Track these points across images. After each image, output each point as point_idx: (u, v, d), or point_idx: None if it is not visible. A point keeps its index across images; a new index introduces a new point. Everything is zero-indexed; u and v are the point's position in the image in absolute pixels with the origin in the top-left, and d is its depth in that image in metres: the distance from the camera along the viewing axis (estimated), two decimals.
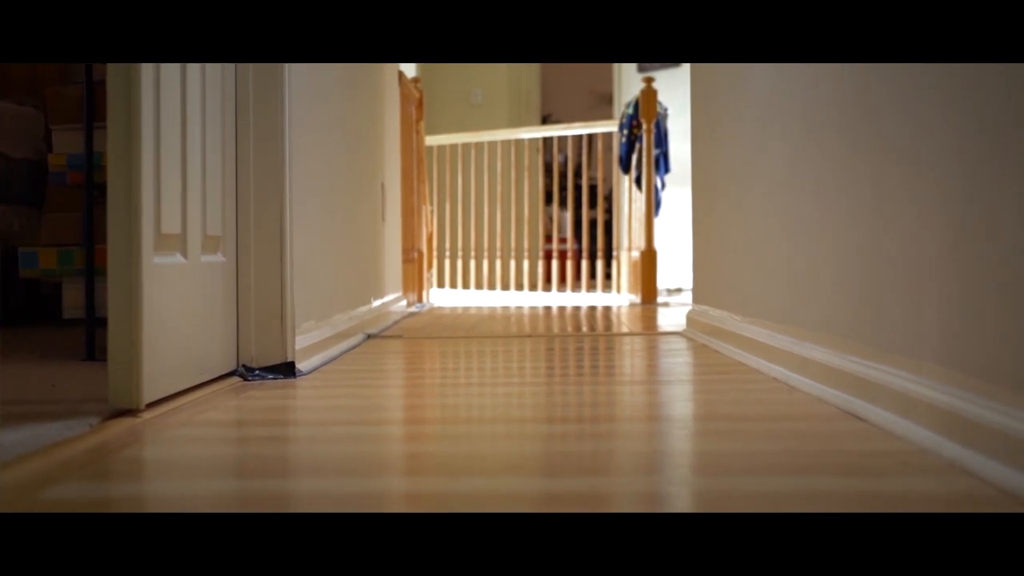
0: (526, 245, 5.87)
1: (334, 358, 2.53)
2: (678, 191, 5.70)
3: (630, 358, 2.50)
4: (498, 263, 6.00)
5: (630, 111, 5.18)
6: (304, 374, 2.18)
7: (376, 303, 3.50)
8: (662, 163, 5.16)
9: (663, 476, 1.18)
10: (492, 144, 6.10)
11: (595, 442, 1.40)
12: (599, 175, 5.59)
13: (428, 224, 5.12)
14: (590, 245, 6.34)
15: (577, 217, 7.74)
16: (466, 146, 6.20)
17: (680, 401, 1.79)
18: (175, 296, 1.75)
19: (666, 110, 5.19)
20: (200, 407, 1.70)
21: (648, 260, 4.95)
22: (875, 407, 1.48)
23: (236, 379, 2.05)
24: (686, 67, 5.76)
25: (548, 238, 7.43)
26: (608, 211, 6.02)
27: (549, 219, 7.87)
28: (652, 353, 2.60)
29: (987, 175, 1.19)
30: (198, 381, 1.88)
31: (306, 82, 2.39)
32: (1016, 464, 1.06)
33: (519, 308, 4.67)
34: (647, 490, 1.11)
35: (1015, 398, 1.10)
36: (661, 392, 1.89)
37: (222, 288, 2.02)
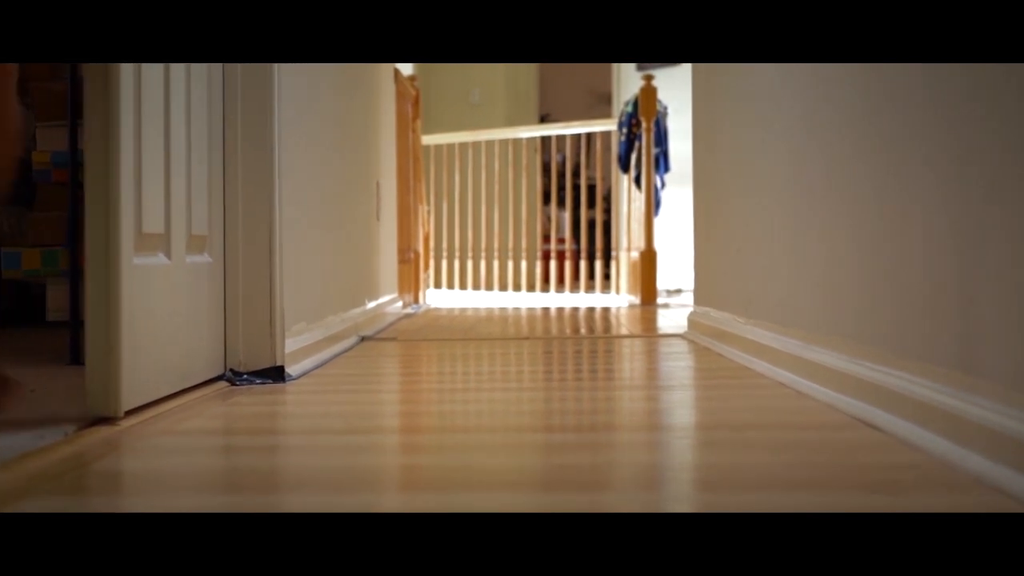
0: (524, 245, 5.81)
1: (326, 361, 2.46)
2: (678, 191, 5.64)
3: (630, 361, 2.43)
4: (496, 264, 5.93)
5: (629, 109, 5.12)
6: (294, 378, 2.10)
7: (371, 304, 3.43)
8: (662, 162, 5.09)
9: (666, 492, 1.11)
10: (490, 143, 6.03)
11: (594, 454, 1.33)
12: (598, 174, 5.53)
13: (425, 224, 5.05)
14: (589, 245, 6.27)
15: (576, 217, 7.67)
16: (463, 145, 6.13)
17: (683, 408, 1.72)
18: (157, 298, 1.68)
19: (666, 108, 5.12)
20: (183, 414, 1.63)
21: (648, 260, 4.88)
22: (891, 415, 1.41)
23: (223, 384, 1.98)
24: (686, 65, 5.70)
25: (546, 238, 7.37)
26: (607, 211, 5.96)
27: (547, 219, 7.80)
28: (653, 356, 2.53)
29: (1009, 172, 1.12)
30: (183, 386, 1.81)
31: (297, 79, 2.32)
32: None
33: (517, 309, 4.60)
34: (649, 508, 1.04)
35: None
36: (663, 398, 1.82)
37: (208, 289, 1.95)
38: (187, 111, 1.82)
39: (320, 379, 2.13)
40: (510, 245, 5.87)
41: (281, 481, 1.20)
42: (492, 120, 7.17)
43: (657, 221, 5.07)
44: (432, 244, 5.63)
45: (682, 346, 2.77)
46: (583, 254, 5.57)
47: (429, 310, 4.62)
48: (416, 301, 4.76)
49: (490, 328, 3.50)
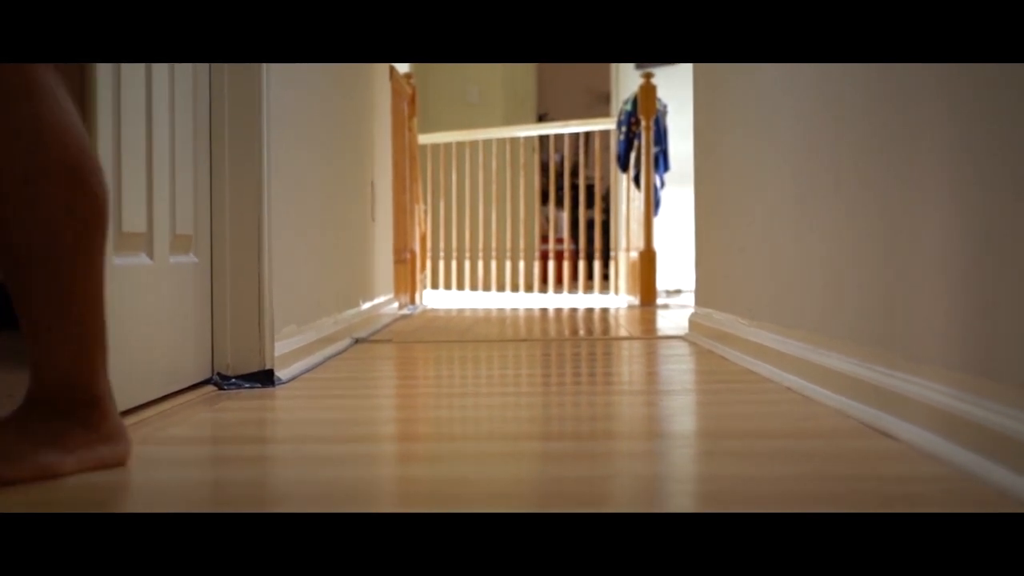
0: (522, 246, 5.74)
1: (318, 364, 2.39)
2: (677, 190, 5.58)
3: (630, 364, 2.37)
4: (493, 264, 5.87)
5: (628, 108, 5.05)
6: (284, 382, 2.04)
7: (365, 305, 3.36)
8: (661, 161, 5.02)
9: (669, 508, 1.04)
10: (487, 142, 5.96)
11: (594, 465, 1.26)
12: (596, 174, 5.46)
13: (421, 224, 4.98)
14: (587, 245, 6.20)
15: (574, 217, 7.61)
16: (461, 144, 6.07)
17: (685, 414, 1.65)
18: (139, 300, 1.61)
19: (665, 107, 5.05)
20: (165, 421, 1.56)
21: (647, 261, 4.82)
22: (907, 423, 1.34)
23: (210, 388, 1.91)
24: (686, 64, 5.63)
25: (545, 238, 7.30)
26: (606, 211, 5.89)
27: (545, 219, 7.74)
28: (653, 359, 2.46)
29: None
30: (166, 391, 1.74)
31: (287, 75, 2.25)
32: None
33: (515, 310, 4.54)
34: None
35: None
36: (665, 404, 1.75)
37: (194, 291, 1.88)
38: (171, 107, 1.75)
39: (311, 383, 2.06)
40: (508, 245, 5.81)
41: (266, 495, 1.14)
42: (490, 119, 7.09)
43: (656, 221, 5.00)
44: (429, 244, 5.56)
45: (683, 348, 2.70)
46: (582, 254, 5.50)
47: (426, 311, 4.55)
48: (412, 302, 4.70)
49: (488, 330, 3.43)
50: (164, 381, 1.73)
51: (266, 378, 1.99)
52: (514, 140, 5.89)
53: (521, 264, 5.72)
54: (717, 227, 2.74)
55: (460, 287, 6.05)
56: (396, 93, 4.33)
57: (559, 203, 7.68)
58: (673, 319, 3.79)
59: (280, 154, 2.16)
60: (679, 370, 2.23)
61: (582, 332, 3.31)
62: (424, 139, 5.82)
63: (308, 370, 2.27)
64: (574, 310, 4.53)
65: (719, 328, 2.61)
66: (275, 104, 2.10)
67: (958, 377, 1.24)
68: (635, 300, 4.87)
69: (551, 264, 5.65)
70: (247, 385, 1.96)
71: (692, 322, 2.98)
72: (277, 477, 1.21)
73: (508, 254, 5.82)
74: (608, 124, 5.37)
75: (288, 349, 2.18)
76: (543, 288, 5.74)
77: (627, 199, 5.20)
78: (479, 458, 1.30)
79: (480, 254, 5.91)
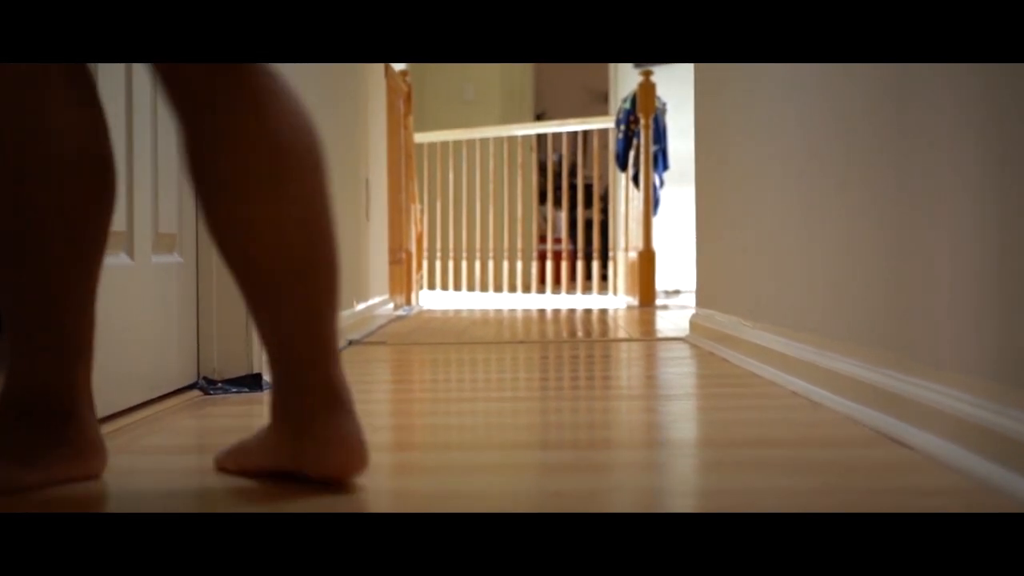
0: (520, 246, 5.67)
1: None
2: (677, 190, 5.52)
3: (630, 368, 2.30)
4: (491, 264, 5.80)
5: (627, 106, 4.98)
6: None
7: (359, 306, 3.30)
8: (660, 160, 4.95)
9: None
10: (484, 141, 5.89)
11: (593, 477, 1.20)
12: (595, 173, 5.40)
13: (417, 224, 4.91)
14: (586, 246, 6.14)
15: (572, 217, 7.55)
16: (457, 143, 6.00)
17: (689, 421, 1.59)
18: (118, 302, 1.55)
19: (664, 105, 4.98)
20: (145, 429, 1.49)
21: (646, 261, 4.75)
22: (920, 431, 1.27)
23: (195, 393, 1.84)
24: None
25: (542, 238, 7.24)
26: (604, 210, 5.82)
27: (543, 219, 7.68)
28: (654, 362, 2.40)
29: None
30: (149, 397, 1.68)
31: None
32: None
33: (512, 311, 4.47)
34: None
35: None
36: (667, 409, 1.68)
37: (179, 292, 1.82)
38: (153, 103, 1.69)
39: None
40: (505, 245, 5.74)
41: (251, 511, 1.07)
42: (487, 117, 7.03)
43: (656, 220, 4.93)
44: (425, 244, 5.49)
45: (684, 350, 2.64)
46: (580, 254, 5.43)
47: (422, 312, 4.49)
48: (408, 303, 4.63)
49: (484, 331, 3.36)
50: (146, 386, 1.66)
51: (254, 382, 1.92)
52: (511, 139, 5.82)
53: (519, 264, 5.65)
54: (719, 227, 2.68)
55: (457, 288, 5.99)
56: (391, 90, 4.27)
57: (557, 203, 7.62)
58: (673, 320, 3.72)
59: None
60: (680, 373, 2.17)
61: (580, 334, 3.25)
62: (420, 137, 5.76)
63: None
64: (572, 311, 4.46)
65: (721, 330, 2.55)
66: None
67: (977, 383, 1.17)
68: (634, 301, 4.80)
69: (549, 264, 5.58)
70: (234, 390, 1.89)
71: (693, 323, 2.91)
72: (260, 492, 1.15)
73: (505, 254, 5.75)
74: (607, 123, 5.30)
75: None
76: (541, 289, 5.67)
77: (626, 198, 5.14)
78: (473, 470, 1.24)
79: (477, 254, 5.84)
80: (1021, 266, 1.09)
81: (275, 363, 1.12)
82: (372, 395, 1.90)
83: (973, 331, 1.19)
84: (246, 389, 1.91)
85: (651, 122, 4.86)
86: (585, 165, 6.01)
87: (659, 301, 5.06)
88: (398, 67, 4.58)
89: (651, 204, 4.86)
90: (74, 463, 1.11)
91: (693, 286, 3.02)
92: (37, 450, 1.09)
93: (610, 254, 5.34)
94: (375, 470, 1.24)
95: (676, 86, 5.62)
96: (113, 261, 1.53)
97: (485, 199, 5.84)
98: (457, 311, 4.52)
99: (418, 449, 1.40)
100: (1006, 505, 0.99)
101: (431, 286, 6.03)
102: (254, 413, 1.72)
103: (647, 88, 4.85)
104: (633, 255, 4.90)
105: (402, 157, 4.56)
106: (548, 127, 5.62)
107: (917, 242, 1.37)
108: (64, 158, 1.06)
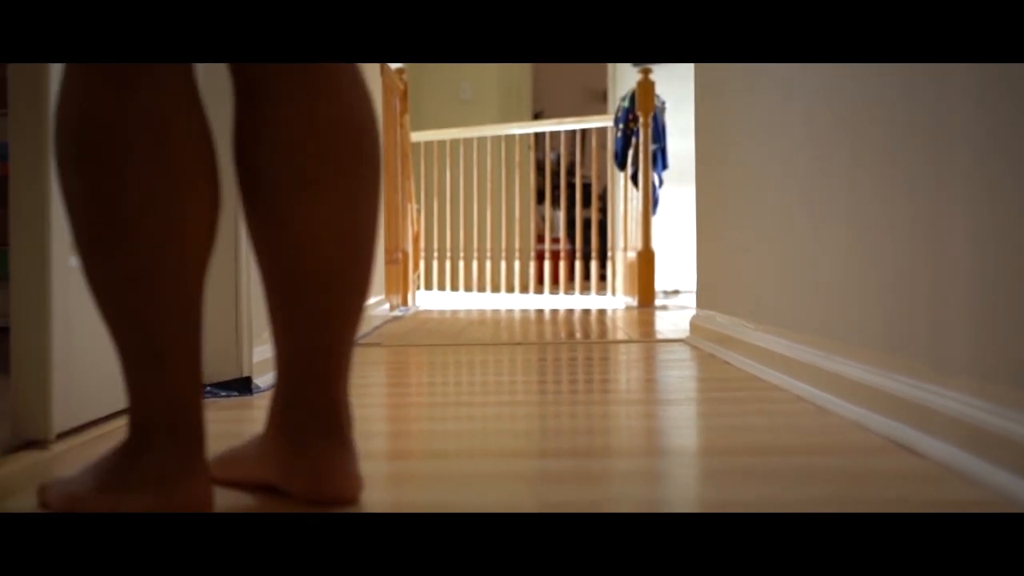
0: (517, 246, 5.61)
1: None
2: (676, 189, 5.47)
3: (629, 370, 2.25)
4: (488, 264, 5.75)
5: (626, 104, 4.93)
6: (263, 390, 1.92)
7: None
8: (660, 159, 4.90)
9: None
10: (482, 140, 5.84)
11: (593, 487, 1.14)
12: (593, 172, 5.34)
13: (414, 223, 4.86)
14: (584, 245, 6.08)
15: (570, 216, 7.50)
16: (454, 142, 5.95)
17: (691, 427, 1.54)
18: None
19: (664, 103, 4.93)
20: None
21: (645, 261, 4.70)
22: (934, 439, 1.22)
23: None
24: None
25: (540, 238, 7.19)
26: (603, 210, 5.77)
27: (541, 218, 7.62)
28: (654, 364, 2.35)
29: None
30: None
31: None
32: None
33: (510, 312, 4.42)
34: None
35: None
36: (668, 415, 1.63)
37: None
38: None
39: None
40: (503, 245, 5.69)
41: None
42: (484, 116, 6.97)
43: (655, 220, 4.88)
44: (422, 244, 5.44)
45: (684, 352, 2.58)
46: (578, 254, 5.38)
47: (418, 313, 4.44)
48: (404, 303, 4.58)
49: (481, 332, 3.31)
50: None
51: (243, 386, 1.87)
52: (509, 138, 5.77)
53: (516, 264, 5.60)
54: (720, 226, 2.63)
55: (454, 288, 5.94)
56: (387, 89, 4.22)
57: (555, 202, 7.57)
58: (672, 321, 3.67)
59: None
60: (681, 377, 2.12)
61: (579, 335, 3.20)
62: (416, 136, 5.70)
63: None
64: (570, 312, 4.41)
65: (722, 331, 2.50)
66: None
67: (993, 389, 1.12)
68: (632, 301, 4.75)
69: (547, 265, 5.53)
70: (222, 394, 1.84)
71: (693, 325, 2.86)
72: (247, 503, 1.09)
73: (503, 254, 5.70)
74: (605, 121, 5.25)
75: (269, 355, 2.06)
76: (539, 289, 5.62)
77: (624, 198, 5.09)
78: (472, 479, 1.19)
79: (474, 254, 5.79)
80: None
81: (281, 371, 1.06)
82: (367, 399, 1.85)
83: (987, 334, 1.14)
84: (236, 393, 1.86)
85: (650, 120, 4.81)
86: (584, 164, 5.96)
87: (658, 301, 5.01)
88: (394, 65, 4.54)
89: (650, 203, 4.80)
90: (206, 487, 0.99)
91: (692, 286, 2.97)
92: (182, 474, 0.97)
93: (609, 254, 5.28)
94: (369, 481, 1.19)
95: (675, 84, 5.57)
96: None
97: (482, 198, 5.78)
98: (454, 312, 4.47)
99: (413, 458, 1.35)
100: None
101: (428, 286, 5.97)
102: (243, 418, 1.67)
103: (646, 86, 4.80)
104: (632, 255, 4.85)
105: (398, 156, 4.50)
106: (546, 126, 5.57)
107: (928, 242, 1.32)
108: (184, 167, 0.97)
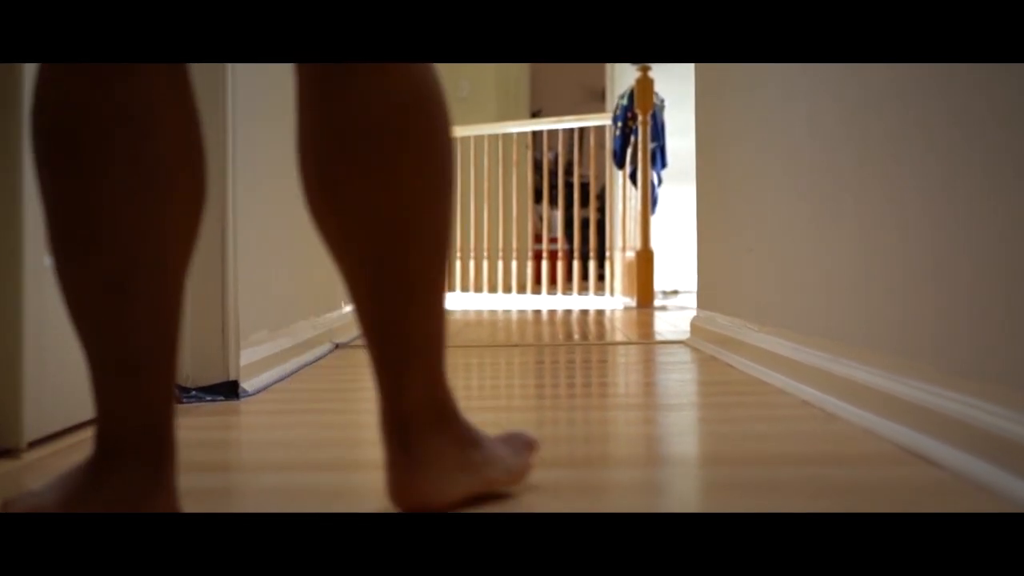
0: (514, 245, 5.56)
1: (292, 373, 2.21)
2: (675, 188, 5.41)
3: (628, 373, 2.19)
4: (485, 264, 5.69)
5: (624, 102, 4.87)
6: (251, 395, 1.86)
7: (348, 308, 3.18)
8: (659, 157, 4.85)
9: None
10: (479, 139, 5.78)
11: (592, 500, 1.09)
12: (591, 171, 5.28)
13: None
14: (582, 245, 6.03)
15: (568, 216, 7.44)
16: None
17: (693, 434, 1.48)
18: None
19: (663, 101, 4.88)
20: None
21: (644, 261, 4.64)
22: (950, 447, 1.17)
23: None
24: None
25: (538, 238, 7.14)
26: (601, 209, 5.72)
27: (539, 218, 7.57)
28: (654, 367, 2.29)
29: None
30: None
31: (259, 64, 2.07)
32: None
33: (506, 313, 4.36)
34: None
35: None
36: (669, 420, 1.57)
37: None
38: None
39: (281, 396, 1.88)
40: (500, 245, 5.63)
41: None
42: (482, 115, 6.92)
43: (654, 219, 4.83)
44: None
45: (685, 354, 2.52)
46: (576, 254, 5.32)
47: None
48: None
49: (478, 333, 3.25)
50: None
51: (230, 390, 1.81)
52: (507, 136, 5.71)
53: (513, 264, 5.54)
54: (721, 226, 2.57)
55: (450, 288, 5.88)
56: None
57: (553, 201, 7.51)
58: (672, 322, 3.61)
59: (248, 144, 1.99)
60: (682, 380, 2.06)
61: (577, 336, 3.14)
62: None
63: (280, 380, 2.09)
64: (568, 312, 4.35)
65: (723, 333, 2.44)
66: (243, 92, 1.92)
67: (1012, 395, 1.06)
68: (631, 301, 4.69)
69: (544, 264, 5.47)
70: (208, 398, 1.78)
71: (694, 326, 2.80)
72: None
73: (500, 254, 5.64)
74: (604, 120, 5.19)
75: (257, 357, 2.00)
76: (536, 289, 5.56)
77: (623, 197, 5.03)
78: None
79: (471, 254, 5.73)
80: None
81: (372, 359, 1.03)
82: (359, 404, 1.79)
83: (1004, 338, 1.08)
84: (221, 397, 1.80)
85: (649, 119, 4.76)
86: (582, 163, 5.90)
87: (657, 302, 4.96)
88: None
89: (649, 203, 4.75)
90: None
91: (692, 286, 2.91)
92: (147, 499, 0.89)
93: (607, 254, 5.22)
94: (361, 494, 1.13)
95: (675, 82, 5.51)
96: None
97: (480, 197, 5.73)
98: (450, 312, 4.41)
99: None
100: None
101: None
102: (229, 425, 1.61)
103: (645, 84, 4.75)
104: (631, 255, 4.79)
105: None
106: (544, 124, 5.51)
107: (941, 243, 1.26)
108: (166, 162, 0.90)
